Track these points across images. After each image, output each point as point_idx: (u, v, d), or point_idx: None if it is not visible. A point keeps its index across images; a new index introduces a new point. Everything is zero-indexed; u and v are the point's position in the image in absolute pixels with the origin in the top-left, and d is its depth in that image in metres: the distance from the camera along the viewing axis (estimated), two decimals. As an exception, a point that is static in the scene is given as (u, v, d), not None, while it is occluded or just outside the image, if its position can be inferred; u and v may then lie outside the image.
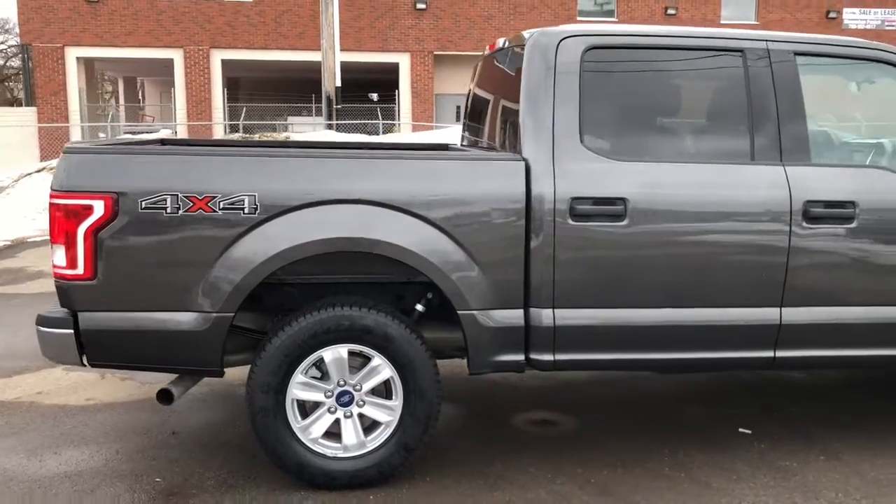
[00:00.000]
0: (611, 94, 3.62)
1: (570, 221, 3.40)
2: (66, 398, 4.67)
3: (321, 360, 3.38)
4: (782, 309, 3.57)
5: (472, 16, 26.04)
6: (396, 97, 25.54)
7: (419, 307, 3.64)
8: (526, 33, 3.70)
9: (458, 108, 24.51)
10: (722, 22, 27.62)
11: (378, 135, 19.28)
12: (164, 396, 3.42)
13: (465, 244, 3.36)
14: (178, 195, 3.20)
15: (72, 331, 3.26)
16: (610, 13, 27.26)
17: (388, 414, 3.45)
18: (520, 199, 3.38)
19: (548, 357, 3.51)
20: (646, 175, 3.48)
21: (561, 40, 3.54)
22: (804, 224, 3.52)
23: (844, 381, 5.05)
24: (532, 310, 3.46)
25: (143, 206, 3.19)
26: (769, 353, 3.62)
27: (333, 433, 3.46)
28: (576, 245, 3.43)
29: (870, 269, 3.60)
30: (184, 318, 3.28)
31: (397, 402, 3.44)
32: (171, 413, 4.35)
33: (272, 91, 28.64)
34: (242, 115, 22.15)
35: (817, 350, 3.65)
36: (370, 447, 3.46)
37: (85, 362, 3.35)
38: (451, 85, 25.66)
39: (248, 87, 33.03)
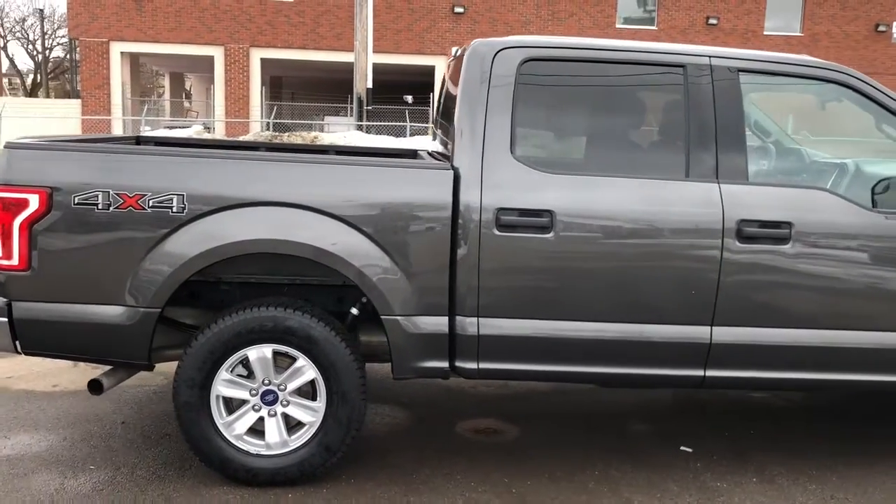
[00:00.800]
0: (545, 106, 3.62)
1: (496, 232, 3.41)
2: (33, 383, 4.83)
3: (247, 358, 3.45)
4: (713, 328, 3.53)
5: (510, 21, 26.05)
6: (431, 100, 25.64)
7: (353, 310, 3.68)
8: (473, 42, 3.72)
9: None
10: (765, 34, 27.19)
11: (405, 137, 19.41)
12: (95, 386, 3.52)
13: (390, 250, 3.39)
14: (109, 192, 3.30)
15: (6, 319, 3.39)
16: (650, 21, 27.02)
17: (311, 415, 3.50)
18: (447, 207, 3.40)
19: (472, 365, 3.52)
20: (575, 188, 3.47)
21: (499, 51, 3.55)
22: (737, 243, 3.47)
23: (804, 401, 4.95)
24: (457, 318, 3.48)
25: (76, 201, 3.30)
26: (699, 372, 3.58)
27: (258, 430, 3.52)
28: (501, 256, 3.43)
29: (804, 291, 3.53)
30: (113, 312, 3.37)
31: (321, 403, 3.49)
32: (126, 403, 4.47)
33: (313, 90, 29.01)
34: (273, 113, 22.49)
35: (748, 371, 3.59)
36: (293, 446, 3.51)
37: (19, 349, 3.47)
38: (486, 89, 25.62)
39: (290, 85, 33.51)
